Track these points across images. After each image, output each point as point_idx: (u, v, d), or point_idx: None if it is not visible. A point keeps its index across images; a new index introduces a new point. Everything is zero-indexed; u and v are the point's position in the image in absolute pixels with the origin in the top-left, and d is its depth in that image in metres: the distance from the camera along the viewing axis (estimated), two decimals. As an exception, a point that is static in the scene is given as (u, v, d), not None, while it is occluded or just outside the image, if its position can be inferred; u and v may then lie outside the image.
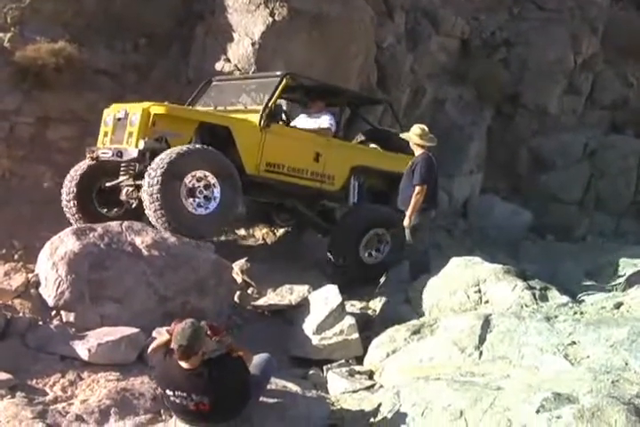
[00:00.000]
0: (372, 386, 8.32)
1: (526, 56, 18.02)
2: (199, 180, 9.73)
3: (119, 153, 10.07)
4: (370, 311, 10.34)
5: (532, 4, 19.30)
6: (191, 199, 9.68)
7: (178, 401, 6.59)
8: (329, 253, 11.36)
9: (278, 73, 11.25)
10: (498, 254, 13.30)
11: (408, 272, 10.81)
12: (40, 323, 8.50)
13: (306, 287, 10.05)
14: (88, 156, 10.58)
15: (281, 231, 12.89)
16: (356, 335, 9.19)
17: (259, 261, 11.33)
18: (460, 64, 17.39)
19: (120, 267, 8.81)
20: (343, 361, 8.98)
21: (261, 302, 10.24)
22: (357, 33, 14.03)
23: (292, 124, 11.85)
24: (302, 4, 13.44)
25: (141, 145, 9.82)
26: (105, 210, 10.82)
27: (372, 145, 12.46)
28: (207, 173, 9.75)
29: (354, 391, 8.19)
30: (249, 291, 10.55)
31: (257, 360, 7.28)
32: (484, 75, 17.28)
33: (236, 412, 6.78)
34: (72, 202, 10.63)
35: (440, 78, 16.94)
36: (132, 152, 9.93)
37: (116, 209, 10.81)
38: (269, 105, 10.74)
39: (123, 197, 10.45)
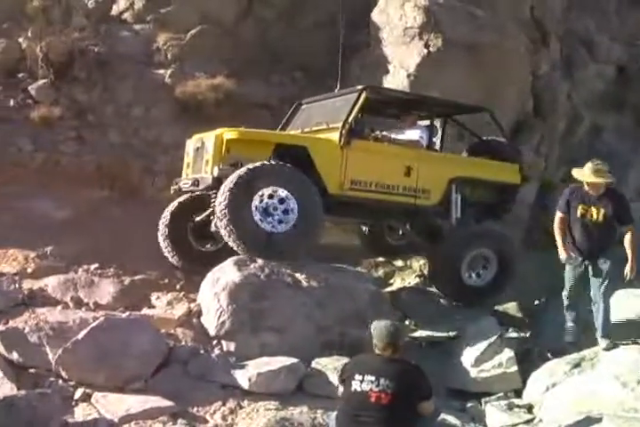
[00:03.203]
0: (532, 420, 8.18)
1: (685, 80, 17.48)
2: (271, 197, 9.47)
3: (196, 182, 9.98)
4: (529, 344, 10.14)
5: (689, 26, 18.76)
6: (267, 218, 9.42)
7: (360, 388, 6.47)
8: (429, 275, 11.12)
9: (359, 87, 10.76)
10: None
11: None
12: (201, 352, 8.67)
13: (463, 319, 9.96)
14: (172, 188, 10.60)
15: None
16: (514, 368, 9.06)
17: (416, 292, 11.29)
18: (617, 90, 16.99)
19: (280, 297, 8.93)
20: (502, 394, 8.85)
21: (418, 333, 10.18)
22: (512, 61, 13.89)
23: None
24: (456, 34, 13.40)
25: (215, 172, 9.66)
26: (200, 245, 10.70)
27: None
28: (278, 189, 9.49)
29: (513, 425, 8.09)
30: (406, 322, 10.49)
31: None
32: (643, 101, 16.85)
33: (407, 423, 6.57)
34: (166, 239, 10.62)
35: (597, 105, 16.59)
36: (207, 180, 9.79)
37: (210, 243, 10.62)
38: (349, 121, 10.29)
39: (213, 228, 10.10)
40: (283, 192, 9.49)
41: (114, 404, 7.63)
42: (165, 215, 10.69)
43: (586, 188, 9.01)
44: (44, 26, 13.92)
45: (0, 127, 12.63)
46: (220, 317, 8.79)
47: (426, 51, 13.28)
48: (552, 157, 14.09)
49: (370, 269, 11.92)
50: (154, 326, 8.80)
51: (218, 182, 9.58)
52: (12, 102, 12.99)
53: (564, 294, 9.20)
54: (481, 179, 11.32)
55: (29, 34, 13.83)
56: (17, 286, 9.85)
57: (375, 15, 14.19)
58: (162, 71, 13.95)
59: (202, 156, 10.11)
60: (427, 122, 11.61)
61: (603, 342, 8.83)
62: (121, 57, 13.96)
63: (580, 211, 9.02)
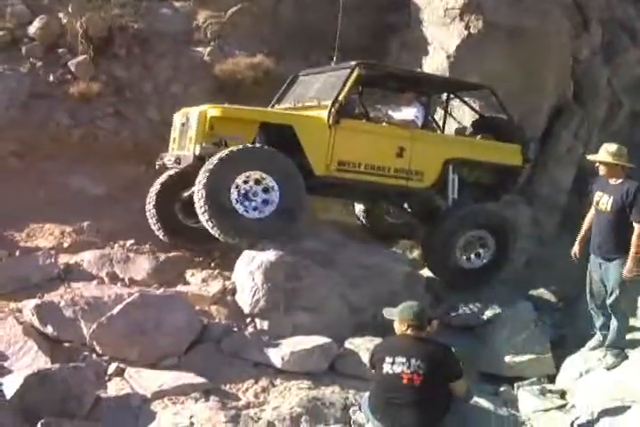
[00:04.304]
0: (564, 406, 8.14)
1: None
2: (251, 182, 9.26)
3: (178, 159, 9.79)
4: (563, 329, 10.09)
5: None
6: (247, 203, 9.23)
7: (392, 371, 6.45)
8: (424, 257, 10.87)
9: (352, 63, 10.23)
10: None
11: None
12: (235, 329, 8.74)
13: (498, 303, 9.91)
14: (157, 163, 10.40)
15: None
16: (548, 354, 9.04)
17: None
18: (657, 77, 16.80)
19: (314, 277, 8.96)
20: (535, 379, 8.82)
21: (452, 316, 10.14)
22: (553, 46, 13.70)
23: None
24: (497, 16, 13.22)
25: (198, 150, 9.38)
26: (188, 220, 10.46)
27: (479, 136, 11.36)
28: (261, 174, 9.25)
29: (545, 410, 8.06)
30: (439, 306, 10.44)
31: None
32: (683, 87, 16.63)
33: (441, 403, 6.55)
34: (152, 214, 10.50)
35: (637, 91, 16.40)
36: (188, 158, 9.58)
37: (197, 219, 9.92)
38: (339, 99, 9.84)
39: None
40: (264, 177, 9.29)
41: (147, 379, 7.69)
42: (153, 189, 10.57)
43: (601, 172, 8.37)
44: (84, 2, 13.90)
45: (39, 102, 12.68)
46: (254, 295, 8.83)
47: (466, 32, 13.08)
48: (591, 142, 13.94)
49: (405, 251, 11.86)
50: (188, 303, 8.85)
51: (200, 161, 9.35)
52: (51, 77, 13.01)
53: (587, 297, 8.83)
54: (480, 160, 11.00)
55: (70, 10, 13.82)
56: (53, 260, 9.94)
57: (416, -5, 14.08)
58: (201, 49, 13.94)
59: (186, 132, 9.87)
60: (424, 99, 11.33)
61: (609, 358, 8.38)
62: (160, 34, 13.94)
63: (595, 198, 8.47)
